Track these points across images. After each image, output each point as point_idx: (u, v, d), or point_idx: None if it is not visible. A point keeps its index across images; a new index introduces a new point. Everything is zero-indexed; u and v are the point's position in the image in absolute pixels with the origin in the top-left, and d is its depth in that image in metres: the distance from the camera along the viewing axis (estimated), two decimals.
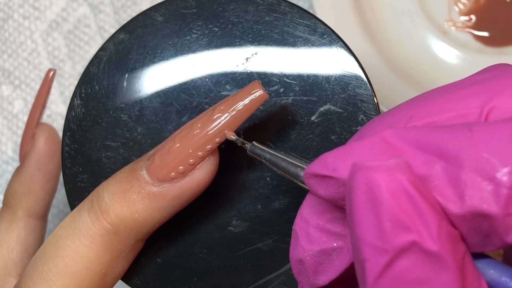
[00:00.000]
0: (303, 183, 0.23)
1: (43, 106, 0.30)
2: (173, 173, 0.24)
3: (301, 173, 0.23)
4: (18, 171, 0.30)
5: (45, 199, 0.30)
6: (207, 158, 0.25)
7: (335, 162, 0.20)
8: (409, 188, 0.18)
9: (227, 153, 0.27)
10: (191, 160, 0.24)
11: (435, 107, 0.20)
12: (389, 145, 0.19)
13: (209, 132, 0.24)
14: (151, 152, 0.25)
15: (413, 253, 0.18)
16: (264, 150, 0.24)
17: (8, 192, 0.31)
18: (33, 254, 0.30)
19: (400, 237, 0.18)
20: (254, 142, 0.25)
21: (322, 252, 0.22)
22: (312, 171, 0.20)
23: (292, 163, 0.23)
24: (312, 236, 0.22)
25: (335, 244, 0.22)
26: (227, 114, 0.24)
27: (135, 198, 0.24)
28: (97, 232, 0.24)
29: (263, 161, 0.24)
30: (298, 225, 0.22)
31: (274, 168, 0.24)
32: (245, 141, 0.25)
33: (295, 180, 0.23)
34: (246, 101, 0.24)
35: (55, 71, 0.29)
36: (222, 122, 0.24)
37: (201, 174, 0.25)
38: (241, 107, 0.24)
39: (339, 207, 0.21)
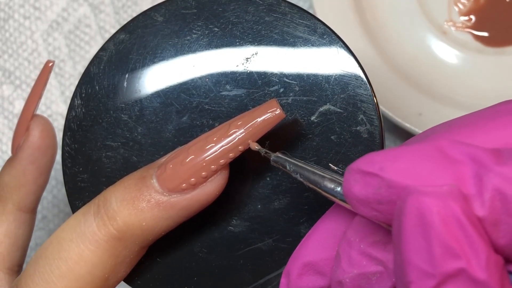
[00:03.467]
0: (329, 194, 0.23)
1: (39, 98, 0.29)
2: (184, 185, 0.25)
3: (327, 184, 0.23)
4: (9, 163, 0.29)
5: (36, 192, 0.30)
6: (219, 172, 0.25)
7: (382, 162, 0.19)
8: (460, 216, 0.18)
9: None
10: (203, 173, 0.25)
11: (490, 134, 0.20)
12: (443, 155, 0.19)
13: (224, 147, 0.24)
14: (162, 160, 0.25)
15: (460, 280, 0.18)
16: (288, 161, 0.24)
17: None
18: (22, 247, 0.30)
19: (449, 263, 0.18)
20: (278, 153, 0.25)
21: (362, 276, 0.22)
22: (357, 167, 0.20)
23: (318, 174, 0.23)
24: (353, 259, 0.22)
25: (375, 269, 0.22)
26: (243, 130, 0.25)
27: (144, 206, 0.24)
28: (102, 238, 0.24)
29: (288, 171, 0.24)
30: (342, 247, 0.22)
31: (300, 179, 0.24)
32: (268, 151, 0.25)
33: (321, 191, 0.23)
34: (263, 118, 0.25)
35: (53, 62, 0.29)
36: (237, 138, 0.25)
37: (212, 187, 0.25)
38: (257, 125, 0.25)
39: (382, 231, 0.22)
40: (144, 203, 0.24)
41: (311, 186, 0.23)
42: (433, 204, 0.18)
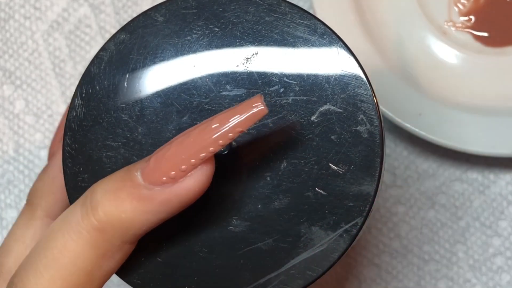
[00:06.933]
0: None
1: None
2: (165, 178, 0.24)
3: None
4: (44, 170, 0.31)
5: (64, 200, 0.30)
6: (199, 167, 0.25)
7: None
8: None
9: (227, 153, 0.27)
10: (183, 167, 0.24)
11: None
12: None
13: (204, 141, 0.24)
14: (151, 155, 0.25)
15: None
16: None
17: (32, 190, 0.31)
18: None
19: None
20: None
21: None
22: None
23: None
24: None
25: None
26: (225, 125, 0.24)
27: (125, 197, 0.24)
28: (84, 228, 0.24)
29: None
30: None
31: None
32: None
33: None
34: (245, 114, 0.24)
35: None
36: (218, 132, 0.24)
37: (191, 182, 0.25)
38: (239, 119, 0.24)
39: None
40: (124, 194, 0.24)
41: None
42: None
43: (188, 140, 0.24)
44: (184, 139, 0.25)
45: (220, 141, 0.24)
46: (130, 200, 0.24)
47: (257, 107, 0.24)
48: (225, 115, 0.24)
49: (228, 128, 0.24)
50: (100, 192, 0.25)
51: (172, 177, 0.24)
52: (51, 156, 0.30)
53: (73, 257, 0.25)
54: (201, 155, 0.24)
